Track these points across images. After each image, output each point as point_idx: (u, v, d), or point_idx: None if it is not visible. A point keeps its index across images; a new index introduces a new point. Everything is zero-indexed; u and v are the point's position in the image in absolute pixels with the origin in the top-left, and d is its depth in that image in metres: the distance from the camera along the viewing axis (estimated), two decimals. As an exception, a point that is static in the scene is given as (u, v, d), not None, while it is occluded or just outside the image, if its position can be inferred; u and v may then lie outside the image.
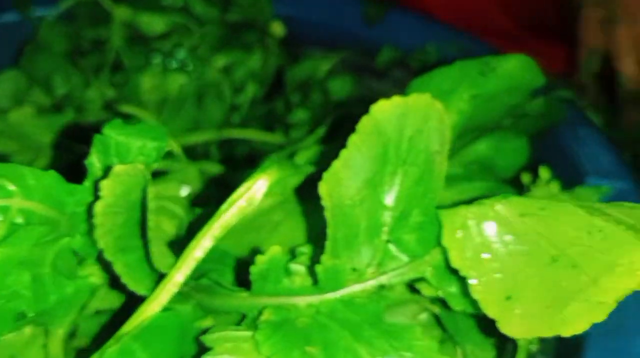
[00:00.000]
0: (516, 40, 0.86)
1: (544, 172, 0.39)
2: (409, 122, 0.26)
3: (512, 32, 0.86)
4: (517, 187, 0.41)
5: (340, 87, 0.60)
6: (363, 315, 0.25)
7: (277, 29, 0.65)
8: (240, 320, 0.26)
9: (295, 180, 0.29)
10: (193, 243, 0.25)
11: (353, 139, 0.25)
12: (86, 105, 0.63)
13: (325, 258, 0.24)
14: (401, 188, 0.26)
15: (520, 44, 0.86)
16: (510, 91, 0.35)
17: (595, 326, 0.23)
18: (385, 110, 0.26)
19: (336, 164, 0.25)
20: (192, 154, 0.58)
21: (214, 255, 0.30)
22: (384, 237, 0.25)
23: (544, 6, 0.87)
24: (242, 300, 0.27)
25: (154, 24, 0.65)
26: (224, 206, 0.25)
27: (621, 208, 0.23)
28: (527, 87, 0.35)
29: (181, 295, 0.29)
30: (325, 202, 0.24)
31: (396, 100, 0.26)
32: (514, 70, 0.34)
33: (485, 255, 0.24)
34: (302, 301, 0.26)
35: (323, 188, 0.24)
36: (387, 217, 0.25)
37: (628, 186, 0.39)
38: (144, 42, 0.64)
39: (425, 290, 0.27)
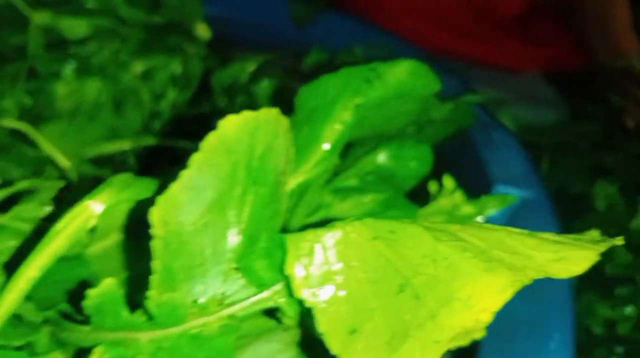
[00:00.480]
0: (476, 37, 0.85)
1: (447, 181, 0.37)
2: (260, 138, 0.24)
3: (471, 29, 0.85)
4: (422, 196, 0.39)
5: (265, 91, 0.58)
6: (208, 350, 0.23)
7: (203, 31, 0.63)
8: (79, 354, 0.24)
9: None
10: (15, 276, 0.22)
11: (197, 159, 0.23)
12: (1, 114, 0.60)
13: (152, 293, 0.22)
14: (251, 211, 0.23)
15: (480, 41, 0.84)
16: (401, 98, 0.33)
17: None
18: (235, 126, 0.24)
19: (175, 187, 0.23)
20: (109, 163, 0.55)
21: (68, 283, 0.27)
22: (232, 265, 0.23)
23: (503, 2, 0.86)
24: (85, 334, 0.24)
25: (75, 28, 0.62)
26: (50, 233, 0.23)
27: (479, 231, 0.21)
28: (420, 94, 0.34)
29: (33, 327, 0.26)
30: (156, 230, 0.22)
31: (247, 115, 0.24)
32: (403, 77, 0.32)
33: (331, 285, 0.21)
34: (144, 336, 0.23)
35: (155, 214, 0.22)
36: (234, 244, 0.23)
37: (536, 195, 0.37)
38: (64, 47, 0.61)
39: (286, 320, 0.25)
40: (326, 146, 0.31)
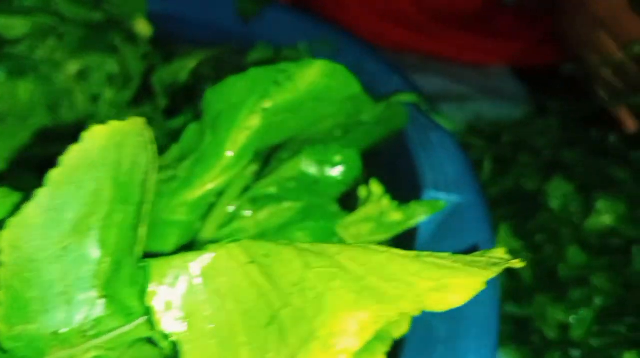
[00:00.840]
0: (435, 33, 0.83)
1: (375, 187, 0.35)
2: (127, 152, 0.21)
3: (430, 25, 0.83)
4: (352, 203, 0.37)
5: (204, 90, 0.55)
6: (72, 387, 0.21)
7: (143, 27, 0.60)
8: None
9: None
10: None
11: (56, 175, 0.21)
12: None
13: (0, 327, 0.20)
14: (118, 233, 0.21)
15: (439, 37, 0.83)
16: (317, 101, 0.31)
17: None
18: (100, 139, 0.21)
19: (28, 208, 0.20)
20: (45, 167, 0.52)
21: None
22: (97, 292, 0.21)
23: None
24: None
25: (14, 27, 0.60)
26: None
27: (361, 253, 0.19)
28: (338, 96, 0.31)
29: None
30: (3, 256, 0.19)
31: (114, 125, 0.21)
32: (316, 79, 0.30)
33: (198, 317, 0.19)
34: (2, 373, 0.21)
35: (4, 239, 0.20)
36: (99, 269, 0.21)
37: (469, 200, 0.35)
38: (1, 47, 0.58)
39: (167, 351, 0.22)
40: (230, 153, 0.29)
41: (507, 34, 0.81)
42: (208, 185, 0.29)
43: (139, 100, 0.60)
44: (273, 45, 0.59)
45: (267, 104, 0.29)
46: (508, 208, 0.59)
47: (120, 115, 0.56)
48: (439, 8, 0.82)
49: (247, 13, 0.60)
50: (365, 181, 0.37)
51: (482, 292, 0.28)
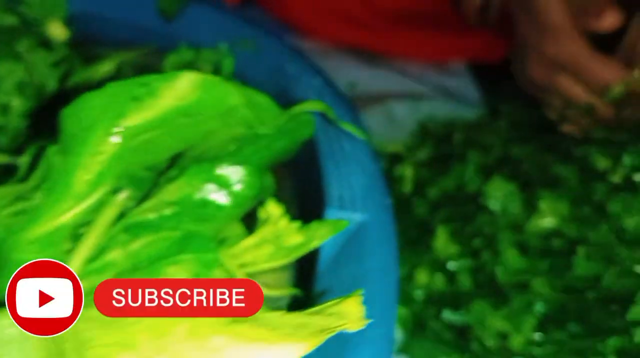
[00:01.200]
0: (381, 32, 0.80)
1: (272, 208, 0.32)
2: None
3: (382, 24, 0.80)
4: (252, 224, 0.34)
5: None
6: None
7: (57, 30, 0.57)
8: None
9: None
10: None
11: None
12: None
13: None
14: None
15: (386, 36, 0.80)
16: (189, 116, 0.28)
17: None
18: None
19: None
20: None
21: None
22: None
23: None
24: None
25: None
26: None
27: (165, 322, 0.16)
28: (214, 110, 0.28)
29: None
30: None
31: None
32: (185, 93, 0.27)
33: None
34: None
35: None
36: None
37: (372, 219, 0.32)
38: None
39: None
40: (82, 181, 0.25)
41: (462, 31, 0.78)
42: (60, 217, 0.25)
43: (58, 108, 0.57)
44: (196, 45, 0.56)
45: (125, 124, 0.25)
46: (448, 210, 0.56)
47: (37, 127, 0.52)
48: (390, 7, 0.79)
49: (168, 12, 0.56)
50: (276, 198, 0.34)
51: (377, 336, 0.25)
